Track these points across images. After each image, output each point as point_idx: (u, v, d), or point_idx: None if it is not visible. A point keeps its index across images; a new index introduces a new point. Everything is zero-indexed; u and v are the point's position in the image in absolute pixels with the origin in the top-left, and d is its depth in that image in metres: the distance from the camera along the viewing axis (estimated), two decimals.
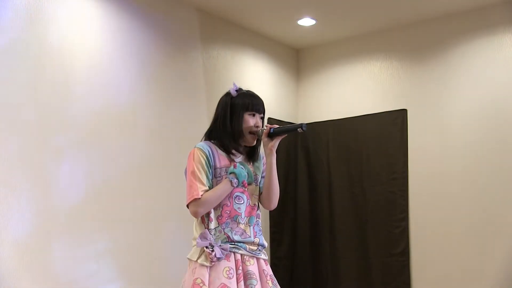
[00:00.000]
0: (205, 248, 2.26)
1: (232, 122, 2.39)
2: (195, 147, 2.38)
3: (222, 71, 4.92)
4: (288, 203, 5.48)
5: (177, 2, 4.53)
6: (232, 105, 2.42)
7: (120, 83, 4.05)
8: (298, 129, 2.35)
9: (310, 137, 5.59)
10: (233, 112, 2.41)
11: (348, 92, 5.49)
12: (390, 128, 5.11)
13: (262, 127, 2.45)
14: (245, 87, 5.67)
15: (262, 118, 2.48)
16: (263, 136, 2.39)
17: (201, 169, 2.30)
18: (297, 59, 5.87)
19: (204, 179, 2.30)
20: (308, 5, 4.75)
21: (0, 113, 3.31)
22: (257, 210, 2.45)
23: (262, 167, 2.49)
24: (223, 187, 2.29)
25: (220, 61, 4.90)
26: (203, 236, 2.28)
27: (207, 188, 2.30)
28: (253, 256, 2.35)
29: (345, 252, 5.27)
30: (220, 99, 2.49)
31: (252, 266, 2.32)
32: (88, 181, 3.76)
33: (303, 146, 5.61)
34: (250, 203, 2.39)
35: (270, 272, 2.42)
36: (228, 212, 2.33)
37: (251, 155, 2.48)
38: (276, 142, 2.39)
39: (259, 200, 2.48)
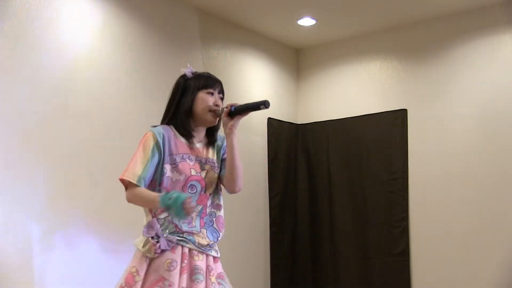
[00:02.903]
0: (150, 238, 2.13)
1: (185, 102, 2.25)
2: (150, 130, 2.26)
3: (222, 71, 4.91)
4: (288, 203, 5.48)
5: (177, 2, 4.52)
6: (186, 85, 2.29)
7: (120, 82, 4.05)
8: (261, 106, 2.20)
9: (310, 137, 5.59)
10: (187, 92, 2.27)
11: (348, 92, 5.49)
12: (390, 128, 5.11)
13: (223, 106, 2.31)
14: (245, 87, 5.69)
15: (222, 99, 2.32)
16: (223, 115, 2.23)
17: (145, 159, 2.17)
18: (297, 59, 5.86)
19: (144, 171, 2.15)
20: (308, 5, 4.75)
21: (0, 113, 3.32)
22: (215, 200, 2.30)
23: (222, 150, 2.36)
24: (151, 199, 2.11)
25: (220, 61, 4.90)
26: (150, 226, 2.16)
27: (141, 175, 2.14)
28: (202, 252, 2.20)
29: (345, 252, 5.27)
30: (175, 82, 2.36)
31: (200, 261, 2.18)
32: (88, 181, 3.76)
33: (303, 146, 5.61)
34: (205, 192, 2.24)
35: (219, 270, 2.27)
36: None
37: (210, 138, 2.33)
38: (236, 122, 2.23)
39: (223, 184, 2.32)
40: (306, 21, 5.06)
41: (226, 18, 4.96)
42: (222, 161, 2.35)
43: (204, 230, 2.23)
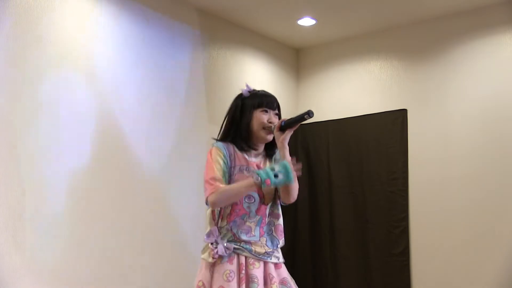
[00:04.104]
0: (209, 244, 2.28)
1: (243, 121, 2.39)
2: (213, 146, 2.39)
3: (222, 71, 4.92)
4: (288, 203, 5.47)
5: (177, 2, 4.53)
6: (243, 105, 2.44)
7: (120, 82, 4.05)
8: (305, 116, 2.33)
9: (310, 137, 5.59)
10: (244, 111, 2.42)
11: (348, 92, 5.49)
12: (390, 128, 5.11)
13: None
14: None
15: (277, 115, 2.47)
16: (275, 131, 2.38)
17: (218, 166, 2.29)
18: (297, 59, 5.87)
19: (220, 174, 2.29)
20: (308, 5, 4.75)
21: (0, 113, 3.31)
22: (274, 210, 2.43)
23: None
24: (243, 182, 2.25)
25: (220, 61, 4.91)
26: (210, 233, 2.30)
27: (223, 181, 2.28)
28: (260, 260, 2.32)
29: (345, 252, 5.27)
30: (233, 100, 2.51)
31: (256, 270, 2.29)
32: (89, 181, 3.76)
33: (303, 146, 5.61)
34: (264, 202, 2.37)
35: (283, 275, 2.40)
36: (237, 210, 2.32)
37: (268, 151, 2.47)
38: (287, 135, 2.36)
39: (279, 195, 2.46)
40: (306, 21, 5.06)
41: (226, 18, 4.96)
42: None
43: (263, 239, 2.35)
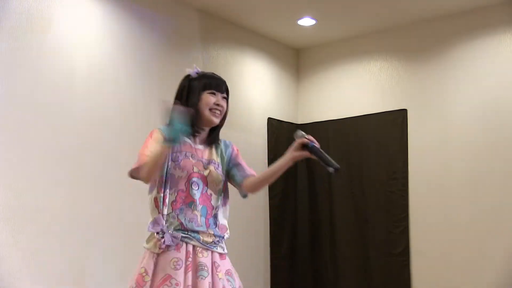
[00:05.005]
0: (155, 234, 2.18)
1: (189, 102, 2.24)
2: (157, 128, 2.26)
3: (222, 71, 4.91)
4: (288, 203, 5.48)
5: (177, 2, 4.53)
6: (190, 86, 2.30)
7: (120, 82, 4.05)
8: (329, 168, 2.12)
9: None
10: (190, 93, 2.28)
11: (348, 92, 5.49)
12: (390, 128, 5.11)
13: (227, 109, 2.33)
14: (245, 86, 5.69)
15: (226, 98, 2.33)
16: (298, 141, 2.22)
17: (154, 144, 2.16)
18: (297, 59, 5.86)
19: (154, 147, 2.15)
20: (308, 5, 4.75)
21: (0, 112, 3.32)
22: (218, 200, 2.31)
23: (226, 156, 2.36)
24: (159, 149, 2.10)
25: (220, 61, 4.90)
26: (155, 222, 2.19)
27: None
28: (207, 249, 2.22)
29: (345, 252, 5.27)
30: (180, 81, 2.36)
31: (204, 258, 2.19)
32: (88, 181, 3.77)
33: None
34: (207, 192, 2.26)
35: (228, 266, 2.29)
36: (183, 197, 2.21)
37: (210, 136, 2.34)
38: (302, 155, 2.22)
39: (242, 187, 2.33)
40: (306, 21, 5.06)
41: (226, 18, 4.96)
42: (234, 166, 2.36)
43: (211, 230, 2.25)
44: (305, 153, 2.21)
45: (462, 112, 4.75)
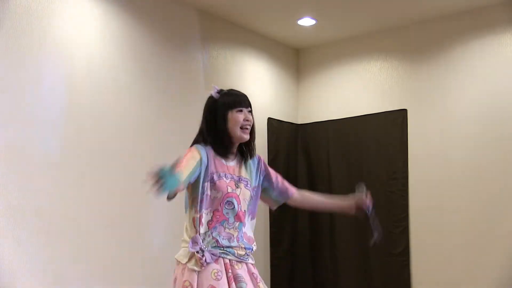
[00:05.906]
0: (195, 253, 2.27)
1: (218, 123, 2.36)
2: (195, 146, 2.35)
3: (222, 71, 4.92)
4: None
5: (177, 2, 4.53)
6: (216, 108, 2.39)
7: (120, 82, 4.05)
8: (372, 239, 2.50)
9: (310, 137, 5.59)
10: (218, 113, 2.38)
11: (348, 92, 5.49)
12: (390, 128, 5.12)
13: (253, 120, 2.43)
14: (245, 87, 5.69)
15: (250, 111, 2.43)
16: (364, 198, 2.57)
17: (191, 161, 2.24)
18: (297, 59, 5.87)
19: (190, 168, 2.21)
20: (308, 5, 4.75)
21: (0, 112, 3.32)
22: (248, 215, 2.43)
23: (256, 171, 2.47)
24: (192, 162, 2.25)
25: (220, 61, 4.90)
26: (194, 241, 2.28)
27: (185, 180, 2.17)
28: (241, 261, 2.36)
29: (345, 252, 5.27)
30: (205, 104, 2.46)
31: (240, 270, 2.33)
32: (88, 180, 3.77)
33: (303, 146, 5.61)
34: (240, 209, 2.37)
35: (259, 276, 2.43)
36: (218, 216, 2.33)
37: (243, 152, 2.44)
38: (355, 213, 2.55)
39: (277, 201, 2.57)
40: (306, 21, 5.06)
41: (226, 18, 4.96)
42: (269, 186, 2.54)
43: (242, 244, 2.37)
44: (359, 214, 2.53)
45: (462, 112, 4.75)
